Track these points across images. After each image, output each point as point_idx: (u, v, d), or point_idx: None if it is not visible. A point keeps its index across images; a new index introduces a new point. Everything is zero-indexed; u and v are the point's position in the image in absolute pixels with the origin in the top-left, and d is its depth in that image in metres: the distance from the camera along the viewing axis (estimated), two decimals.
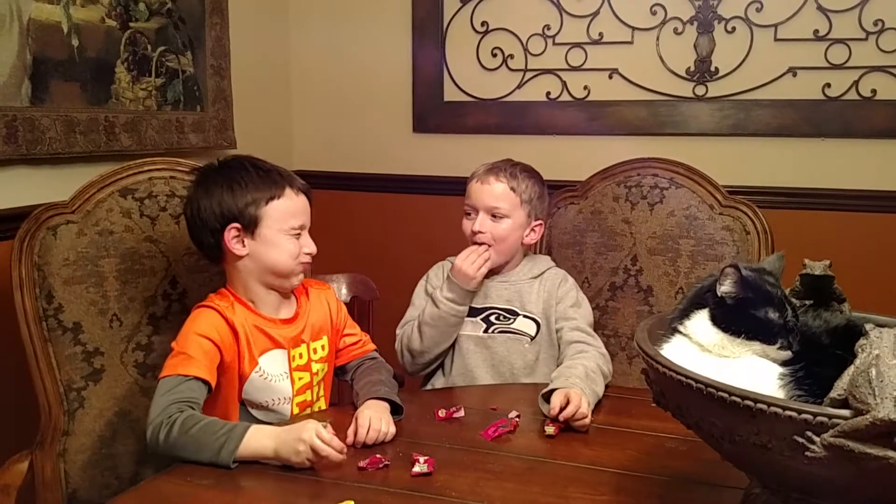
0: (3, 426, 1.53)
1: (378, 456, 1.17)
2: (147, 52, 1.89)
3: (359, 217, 2.55)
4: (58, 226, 1.39)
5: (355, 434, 1.24)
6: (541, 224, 1.65)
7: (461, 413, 1.37)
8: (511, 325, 1.61)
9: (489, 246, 1.59)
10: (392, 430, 1.26)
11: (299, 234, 1.38)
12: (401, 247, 2.49)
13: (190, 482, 1.11)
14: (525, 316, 1.61)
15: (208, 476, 1.13)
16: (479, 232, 1.59)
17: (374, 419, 1.25)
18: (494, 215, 1.59)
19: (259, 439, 1.16)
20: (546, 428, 1.29)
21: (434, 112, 2.46)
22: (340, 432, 1.21)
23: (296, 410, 1.40)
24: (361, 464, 1.15)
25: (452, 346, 1.62)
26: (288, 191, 1.36)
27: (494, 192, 1.59)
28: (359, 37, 2.51)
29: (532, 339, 1.60)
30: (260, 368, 1.35)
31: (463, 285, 1.57)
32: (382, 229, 2.54)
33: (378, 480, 1.12)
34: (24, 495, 1.32)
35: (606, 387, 1.46)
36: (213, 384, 1.28)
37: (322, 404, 1.47)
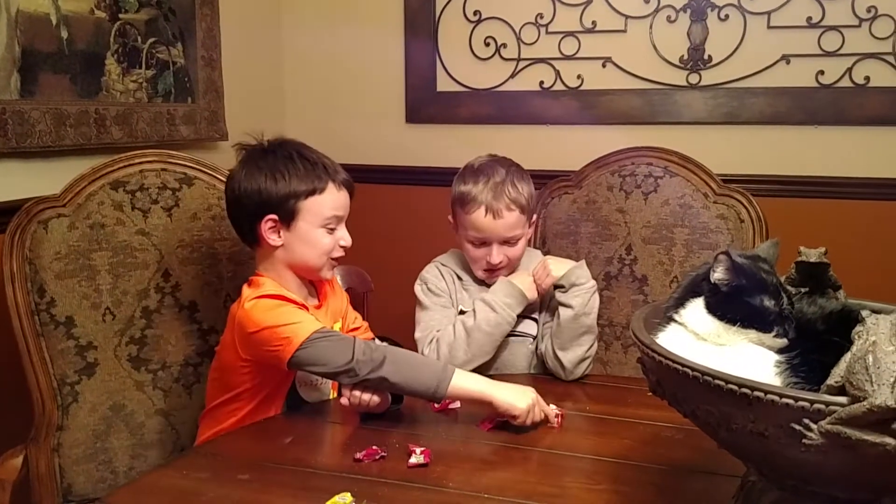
0: None
1: (374, 447, 1.17)
2: (137, 44, 1.87)
3: (352, 208, 2.52)
4: (49, 219, 1.38)
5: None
6: (535, 219, 1.62)
7: (457, 404, 1.37)
8: (515, 329, 1.57)
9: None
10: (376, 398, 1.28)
11: (335, 227, 1.38)
12: (394, 238, 2.48)
13: (186, 475, 1.11)
14: (526, 317, 1.58)
15: (205, 469, 1.13)
16: (500, 263, 1.53)
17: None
18: (508, 241, 1.54)
19: (469, 379, 1.27)
20: None
21: (427, 102, 2.45)
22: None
23: (332, 394, 1.43)
24: (358, 455, 1.15)
25: None
26: (330, 185, 1.37)
27: (508, 223, 1.51)
28: (351, 27, 2.49)
29: (534, 338, 1.60)
30: None
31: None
32: (376, 221, 2.52)
33: (374, 472, 1.12)
34: (20, 490, 1.32)
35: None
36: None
37: (333, 393, 1.46)
